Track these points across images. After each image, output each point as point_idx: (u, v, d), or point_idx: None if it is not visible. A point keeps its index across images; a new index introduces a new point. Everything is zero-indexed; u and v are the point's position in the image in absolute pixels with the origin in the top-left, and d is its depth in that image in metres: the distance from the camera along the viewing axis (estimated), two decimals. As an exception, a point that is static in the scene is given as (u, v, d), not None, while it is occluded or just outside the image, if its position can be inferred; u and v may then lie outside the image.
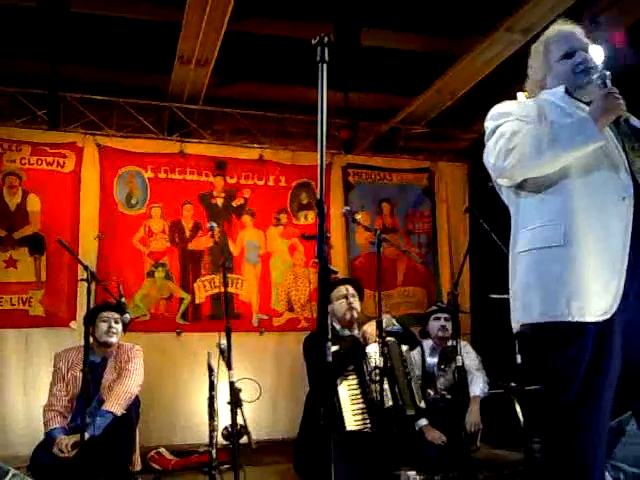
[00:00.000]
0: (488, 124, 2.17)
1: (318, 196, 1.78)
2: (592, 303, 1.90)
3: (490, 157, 2.10)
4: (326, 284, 1.73)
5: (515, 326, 2.11)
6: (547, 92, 2.22)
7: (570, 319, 1.91)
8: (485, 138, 2.17)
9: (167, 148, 5.83)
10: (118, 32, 5.04)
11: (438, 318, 4.62)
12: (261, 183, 6.06)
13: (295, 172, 6.10)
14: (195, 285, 5.74)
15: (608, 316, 1.88)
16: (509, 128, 2.06)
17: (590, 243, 1.93)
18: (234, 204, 5.96)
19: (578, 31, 2.24)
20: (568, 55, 2.17)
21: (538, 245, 2.02)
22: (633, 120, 2.15)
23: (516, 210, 2.16)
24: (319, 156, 1.79)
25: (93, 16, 4.86)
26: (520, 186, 2.12)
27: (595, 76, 2.05)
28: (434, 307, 4.85)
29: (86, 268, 3.41)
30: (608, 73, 2.02)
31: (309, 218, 6.13)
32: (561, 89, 2.16)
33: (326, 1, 4.90)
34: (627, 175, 1.95)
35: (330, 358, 1.74)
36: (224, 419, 3.89)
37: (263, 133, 6.08)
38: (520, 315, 2.08)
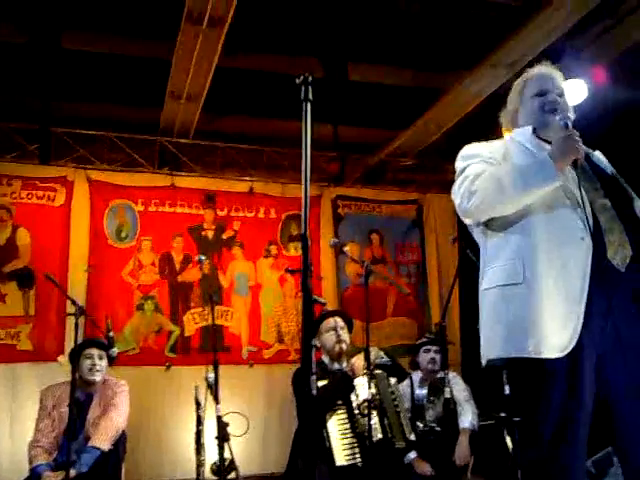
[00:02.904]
0: (458, 164, 2.25)
1: (302, 230, 1.81)
2: (549, 340, 1.92)
3: (456, 199, 2.19)
4: (310, 318, 1.75)
5: (483, 361, 2.14)
6: (516, 132, 2.30)
7: (527, 355, 1.95)
8: (455, 177, 2.24)
9: (158, 181, 5.86)
10: (109, 68, 5.11)
11: (428, 350, 4.61)
12: (251, 215, 6.09)
13: (285, 204, 6.14)
14: (185, 317, 5.72)
15: (565, 353, 1.91)
16: (473, 171, 2.14)
17: (549, 282, 1.96)
18: (224, 236, 5.98)
19: (557, 76, 2.32)
20: (540, 94, 2.26)
21: (500, 283, 2.07)
22: (595, 158, 2.22)
23: (483, 248, 2.23)
24: (303, 192, 1.82)
25: (84, 53, 4.94)
26: (486, 225, 2.19)
27: (558, 117, 2.11)
28: (424, 339, 4.84)
29: (74, 303, 3.40)
30: (571, 116, 2.08)
31: (299, 250, 6.12)
32: (529, 129, 2.23)
33: (315, 37, 5.00)
34: (585, 216, 1.98)
35: (315, 391, 1.74)
36: (212, 454, 3.87)
37: (253, 166, 6.13)
38: (484, 351, 2.12)
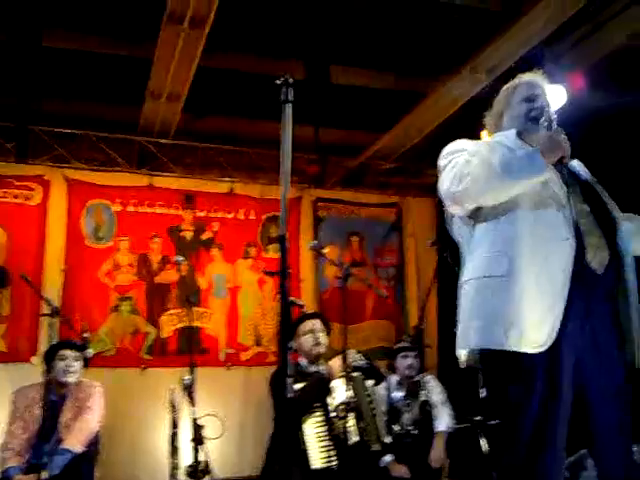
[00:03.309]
0: (441, 162, 2.22)
1: (280, 232, 1.80)
2: (528, 334, 1.91)
3: (445, 183, 2.14)
4: (287, 320, 1.74)
5: (459, 354, 2.12)
6: (499, 134, 2.24)
7: (507, 348, 1.93)
8: (439, 173, 2.22)
9: (136, 181, 5.81)
10: (89, 66, 5.05)
11: (406, 356, 4.60)
12: (230, 216, 6.06)
13: (265, 206, 6.12)
14: (161, 319, 5.67)
15: (544, 348, 1.90)
16: (463, 158, 2.12)
17: (531, 277, 1.96)
18: (203, 237, 5.94)
19: (546, 87, 2.33)
20: (529, 99, 2.26)
21: (481, 274, 2.05)
22: (572, 165, 2.24)
23: (466, 242, 2.21)
24: (282, 194, 1.82)
25: (65, 51, 4.88)
26: (470, 217, 2.17)
27: (542, 119, 2.12)
28: (402, 343, 4.83)
29: (49, 303, 3.36)
30: (555, 116, 2.09)
31: (278, 252, 6.11)
32: (513, 132, 2.20)
33: (297, 39, 4.99)
34: (570, 218, 2.00)
35: (291, 394, 1.73)
36: (188, 456, 3.84)
37: (233, 167, 6.10)
38: (460, 343, 2.10)
